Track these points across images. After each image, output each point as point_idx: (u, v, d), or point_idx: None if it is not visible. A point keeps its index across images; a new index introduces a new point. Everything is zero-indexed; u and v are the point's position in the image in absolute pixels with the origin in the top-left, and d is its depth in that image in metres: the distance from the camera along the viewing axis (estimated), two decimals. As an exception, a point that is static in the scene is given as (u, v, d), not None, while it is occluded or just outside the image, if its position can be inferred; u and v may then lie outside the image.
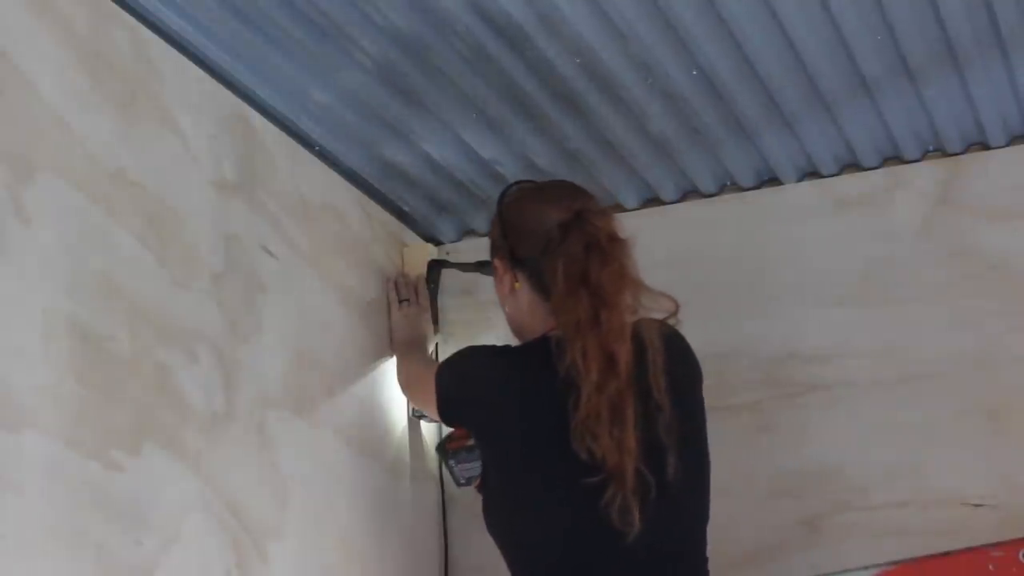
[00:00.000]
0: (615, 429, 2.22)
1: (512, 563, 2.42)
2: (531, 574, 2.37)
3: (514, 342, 2.56)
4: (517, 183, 2.58)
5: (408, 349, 2.95)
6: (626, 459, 2.21)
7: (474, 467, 2.57)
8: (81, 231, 2.18)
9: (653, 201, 3.22)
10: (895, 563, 2.28)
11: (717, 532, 2.45)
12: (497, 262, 2.51)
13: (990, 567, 1.97)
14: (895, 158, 3.09)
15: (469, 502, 3.20)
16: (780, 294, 3.07)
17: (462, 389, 2.52)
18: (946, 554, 2.15)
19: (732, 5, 2.49)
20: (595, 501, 2.22)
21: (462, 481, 2.66)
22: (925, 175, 3.06)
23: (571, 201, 2.46)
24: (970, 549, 1.99)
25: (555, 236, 2.39)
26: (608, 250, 2.37)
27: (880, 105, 2.86)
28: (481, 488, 2.51)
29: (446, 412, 2.57)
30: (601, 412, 2.24)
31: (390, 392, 3.07)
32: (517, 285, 2.47)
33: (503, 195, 2.55)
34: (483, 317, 3.29)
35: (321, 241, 2.88)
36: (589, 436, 2.23)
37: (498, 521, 2.42)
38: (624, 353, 2.27)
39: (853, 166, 3.12)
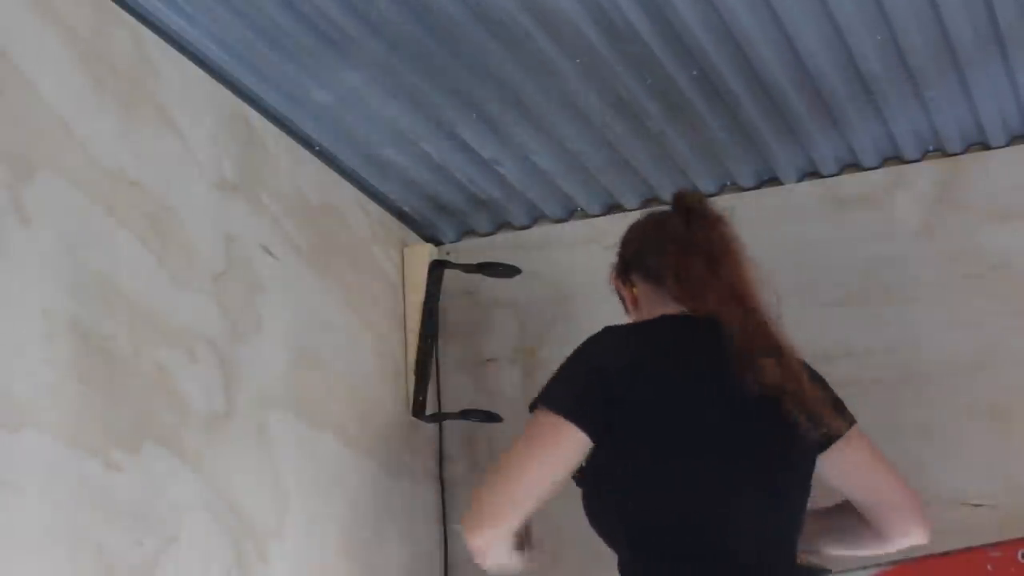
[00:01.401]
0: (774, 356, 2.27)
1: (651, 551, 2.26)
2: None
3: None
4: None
5: None
6: (796, 377, 2.26)
7: None
8: (81, 231, 2.18)
9: (653, 201, 3.22)
10: (894, 563, 2.27)
11: (717, 532, 2.44)
12: (616, 283, 2.56)
13: (988, 567, 1.97)
14: (895, 158, 3.09)
15: (469, 502, 3.20)
16: (780, 294, 3.06)
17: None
18: (945, 554, 2.15)
19: (733, 5, 2.49)
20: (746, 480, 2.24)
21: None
22: (925, 175, 3.06)
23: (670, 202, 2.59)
24: (968, 549, 1.98)
25: (650, 230, 2.53)
26: (702, 212, 2.50)
27: (880, 105, 2.86)
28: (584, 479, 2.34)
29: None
30: (755, 343, 2.27)
31: (390, 392, 3.07)
32: (635, 290, 2.51)
33: (623, 235, 2.62)
34: (484, 318, 3.29)
35: (321, 241, 2.88)
36: (753, 367, 2.24)
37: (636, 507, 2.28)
38: (752, 295, 2.38)
39: (853, 166, 3.11)
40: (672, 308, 2.41)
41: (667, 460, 2.24)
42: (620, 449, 2.25)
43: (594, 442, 2.23)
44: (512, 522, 2.22)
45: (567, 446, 2.21)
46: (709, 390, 2.28)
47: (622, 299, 2.56)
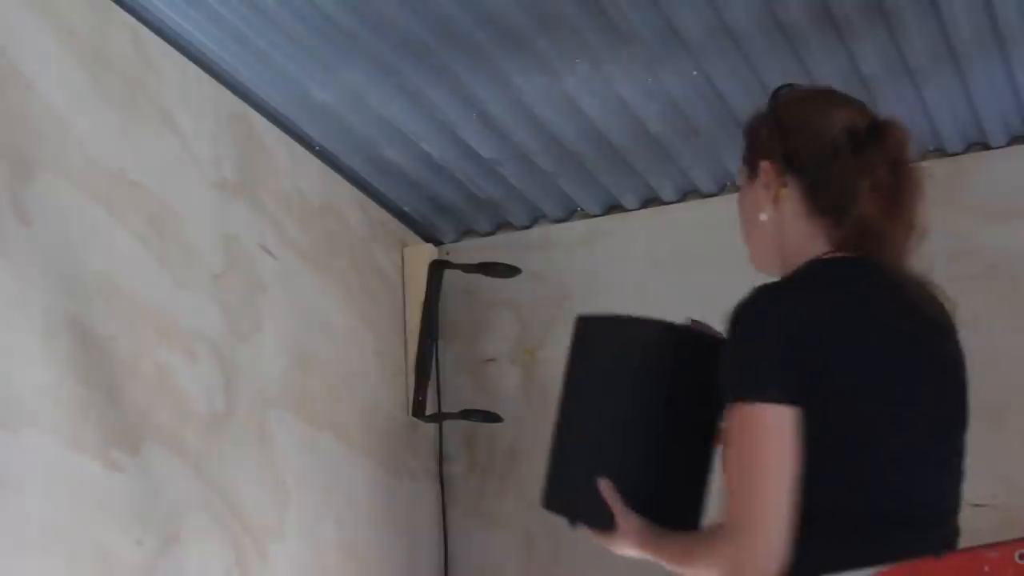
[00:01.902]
0: None
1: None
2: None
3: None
4: (789, 84, 2.21)
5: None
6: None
7: None
8: (81, 231, 2.18)
9: (653, 201, 3.22)
10: (893, 563, 2.26)
11: (717, 532, 2.44)
12: (766, 165, 2.10)
13: (985, 568, 1.95)
14: (895, 158, 3.09)
15: (469, 502, 3.21)
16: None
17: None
18: (941, 555, 2.14)
19: (733, 6, 2.49)
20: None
21: None
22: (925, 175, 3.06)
23: (859, 108, 2.12)
24: (965, 550, 1.97)
25: (844, 145, 2.06)
26: (914, 174, 2.08)
27: (880, 105, 2.86)
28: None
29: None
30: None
31: (390, 392, 3.07)
32: (783, 192, 2.09)
33: (778, 92, 2.19)
34: (484, 318, 3.29)
35: (321, 241, 2.88)
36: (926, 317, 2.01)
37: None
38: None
39: (853, 166, 3.11)
40: (821, 243, 2.05)
41: (870, 428, 1.95)
42: (820, 414, 1.93)
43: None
44: (788, 521, 1.92)
45: (794, 432, 1.92)
46: (901, 347, 2.00)
47: (753, 184, 2.11)
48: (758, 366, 1.93)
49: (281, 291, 2.69)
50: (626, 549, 2.08)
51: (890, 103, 2.85)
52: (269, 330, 2.63)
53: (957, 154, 3.05)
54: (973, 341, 2.92)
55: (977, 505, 2.84)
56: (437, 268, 3.22)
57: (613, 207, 3.24)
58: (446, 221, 3.28)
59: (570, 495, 2.12)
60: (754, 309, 1.96)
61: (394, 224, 3.22)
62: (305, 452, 2.70)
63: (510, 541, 3.14)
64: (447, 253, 3.31)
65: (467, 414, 3.15)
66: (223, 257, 2.53)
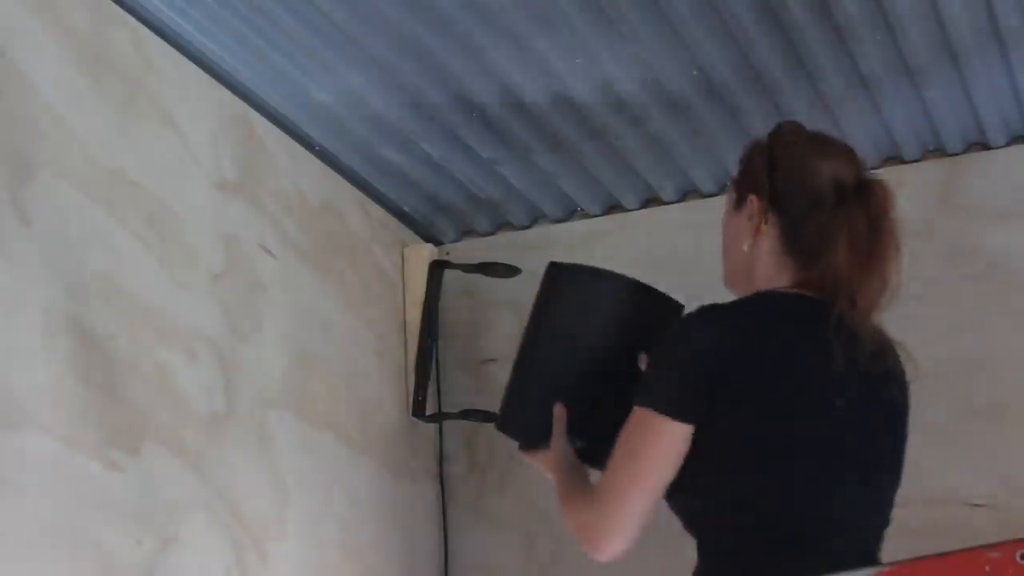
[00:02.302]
0: None
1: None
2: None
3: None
4: (785, 123, 2.34)
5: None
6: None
7: None
8: (81, 231, 2.18)
9: (653, 201, 3.22)
10: (893, 563, 2.26)
11: (717, 532, 2.44)
12: (754, 199, 2.24)
13: (986, 568, 1.96)
14: (895, 158, 3.09)
15: (469, 502, 3.21)
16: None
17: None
18: (942, 555, 2.14)
19: (733, 5, 2.49)
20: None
21: None
22: (925, 175, 3.06)
23: (849, 161, 2.26)
24: (966, 550, 1.97)
25: (829, 196, 2.20)
26: (894, 236, 2.21)
27: (880, 105, 2.86)
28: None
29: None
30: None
31: (390, 392, 3.07)
32: (764, 228, 2.24)
33: (779, 130, 2.31)
34: (483, 318, 3.29)
35: (321, 241, 2.88)
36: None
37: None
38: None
39: (853, 166, 3.11)
40: (786, 279, 2.21)
41: (770, 448, 2.14)
42: (723, 432, 2.14)
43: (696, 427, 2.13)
44: (640, 525, 2.16)
45: (677, 446, 2.14)
46: (814, 376, 2.15)
47: (738, 212, 2.27)
48: (665, 381, 2.14)
49: (281, 291, 2.69)
50: (544, 469, 2.39)
51: (890, 103, 2.85)
52: (269, 330, 2.63)
53: (957, 154, 3.05)
54: (973, 341, 2.95)
55: (977, 505, 2.85)
56: (437, 268, 3.22)
57: (613, 207, 3.24)
58: (446, 221, 3.28)
59: (521, 418, 2.44)
60: (682, 328, 2.17)
61: (394, 224, 3.22)
62: (305, 452, 2.70)
63: (510, 541, 3.14)
64: (447, 253, 3.31)
65: (467, 414, 3.15)
66: (223, 257, 2.53)
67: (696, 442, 2.12)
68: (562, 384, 2.36)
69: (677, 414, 2.11)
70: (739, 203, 2.28)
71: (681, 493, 2.15)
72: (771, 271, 2.22)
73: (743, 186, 2.28)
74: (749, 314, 2.18)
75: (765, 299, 2.21)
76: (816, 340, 2.13)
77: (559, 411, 2.37)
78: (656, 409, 2.12)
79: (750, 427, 2.12)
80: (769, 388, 2.13)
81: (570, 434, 2.34)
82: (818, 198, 2.20)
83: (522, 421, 2.43)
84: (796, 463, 2.13)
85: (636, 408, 2.14)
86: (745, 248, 2.26)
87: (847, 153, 2.27)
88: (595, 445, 2.30)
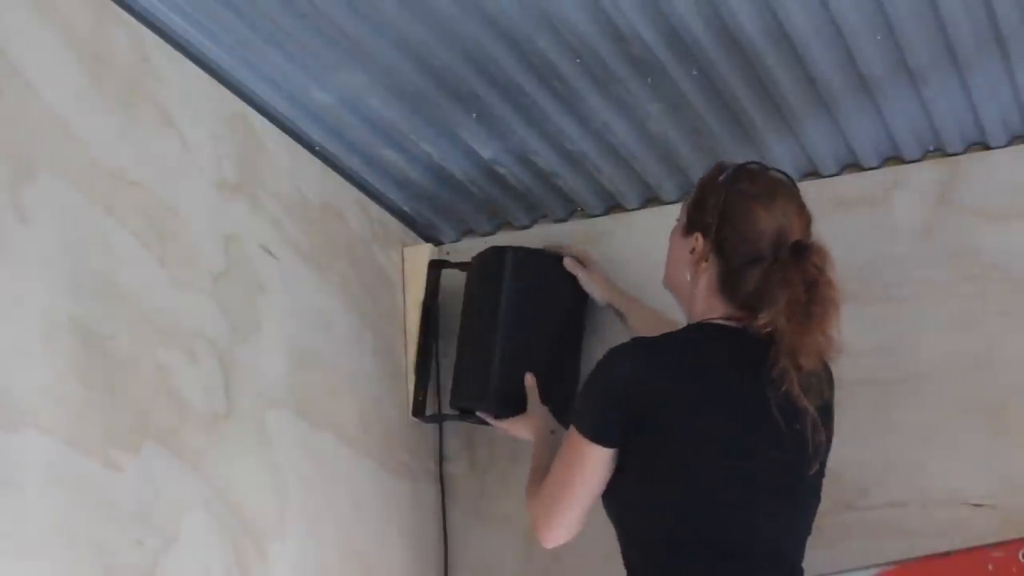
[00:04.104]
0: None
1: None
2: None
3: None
4: (746, 166, 2.48)
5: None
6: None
7: None
8: (81, 231, 2.18)
9: (653, 201, 3.22)
10: (895, 563, 2.28)
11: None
12: (699, 235, 2.41)
13: (989, 567, 1.97)
14: (895, 158, 3.08)
15: (469, 502, 3.21)
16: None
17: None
18: (945, 554, 2.15)
19: (733, 5, 2.49)
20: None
21: None
22: (925, 175, 3.05)
23: (799, 213, 2.42)
24: (969, 549, 1.98)
25: (768, 253, 2.36)
26: (830, 296, 2.38)
27: (880, 105, 2.86)
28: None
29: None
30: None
31: (390, 392, 3.07)
32: (704, 266, 2.41)
33: (737, 175, 2.45)
34: (483, 317, 3.29)
35: (321, 241, 2.88)
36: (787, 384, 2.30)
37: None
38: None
39: (853, 166, 3.11)
40: (720, 313, 2.39)
41: (691, 476, 2.34)
42: (644, 453, 2.35)
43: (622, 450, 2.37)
44: (578, 523, 2.44)
45: (602, 465, 2.37)
46: (737, 405, 2.33)
47: (684, 242, 2.45)
48: (591, 408, 2.39)
49: (281, 291, 2.69)
50: (522, 431, 2.80)
51: (890, 103, 2.85)
52: (269, 330, 2.63)
53: (957, 154, 3.04)
54: (972, 341, 2.95)
55: (977, 505, 2.85)
56: (437, 268, 3.22)
57: (613, 207, 3.24)
58: (446, 221, 3.28)
59: (479, 391, 2.90)
60: (607, 361, 2.39)
61: (394, 224, 3.21)
62: (305, 452, 2.70)
63: (510, 541, 3.14)
64: (447, 253, 3.31)
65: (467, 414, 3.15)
66: (223, 257, 2.53)
67: (621, 459, 2.35)
68: (528, 354, 2.87)
69: (598, 439, 2.34)
70: (688, 230, 2.45)
71: (610, 502, 2.39)
72: (706, 306, 2.40)
73: (694, 217, 2.45)
74: (675, 348, 2.38)
75: (698, 331, 2.40)
76: (746, 370, 2.30)
77: (530, 379, 2.85)
78: (582, 433, 2.36)
79: (670, 449, 2.33)
80: (693, 414, 2.32)
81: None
82: (757, 255, 2.36)
83: (480, 395, 2.89)
84: (713, 481, 2.31)
85: (571, 426, 2.40)
86: (687, 278, 2.44)
87: (797, 206, 2.42)
88: (559, 406, 2.79)
